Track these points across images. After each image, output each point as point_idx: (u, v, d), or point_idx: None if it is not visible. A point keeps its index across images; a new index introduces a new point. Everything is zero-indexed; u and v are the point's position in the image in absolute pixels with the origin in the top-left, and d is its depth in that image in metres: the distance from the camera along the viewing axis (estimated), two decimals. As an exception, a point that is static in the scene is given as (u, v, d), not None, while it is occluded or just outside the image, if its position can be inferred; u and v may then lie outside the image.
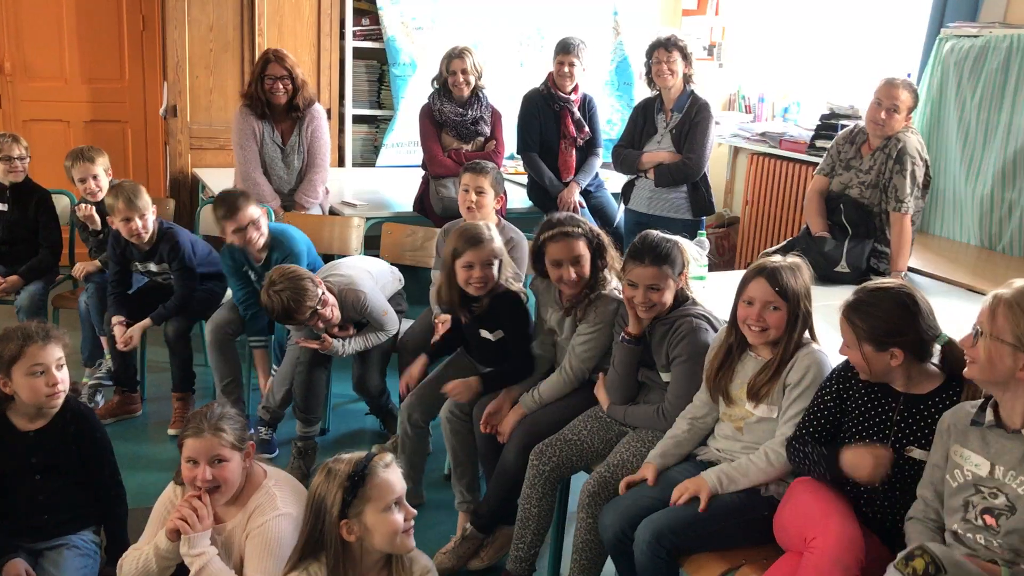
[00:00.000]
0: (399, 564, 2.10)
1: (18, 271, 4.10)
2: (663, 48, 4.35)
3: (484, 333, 3.17)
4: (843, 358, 2.27)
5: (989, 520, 1.90)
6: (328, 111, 4.91)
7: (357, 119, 5.95)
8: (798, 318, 2.37)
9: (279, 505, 2.34)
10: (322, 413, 3.79)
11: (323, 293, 3.38)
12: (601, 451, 2.78)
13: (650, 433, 2.69)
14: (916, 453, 2.15)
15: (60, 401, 2.60)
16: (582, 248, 2.85)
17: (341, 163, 5.85)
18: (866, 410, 2.23)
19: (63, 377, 2.58)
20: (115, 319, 3.80)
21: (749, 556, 2.29)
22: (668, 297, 2.66)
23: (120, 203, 3.67)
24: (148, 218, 3.73)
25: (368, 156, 6.03)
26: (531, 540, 2.84)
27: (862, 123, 3.78)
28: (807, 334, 2.43)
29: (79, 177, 4.04)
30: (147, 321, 3.82)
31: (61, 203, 4.38)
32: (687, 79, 4.41)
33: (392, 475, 2.07)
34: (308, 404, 3.60)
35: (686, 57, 4.37)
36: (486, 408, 3.03)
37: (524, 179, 4.98)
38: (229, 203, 3.61)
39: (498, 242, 3.10)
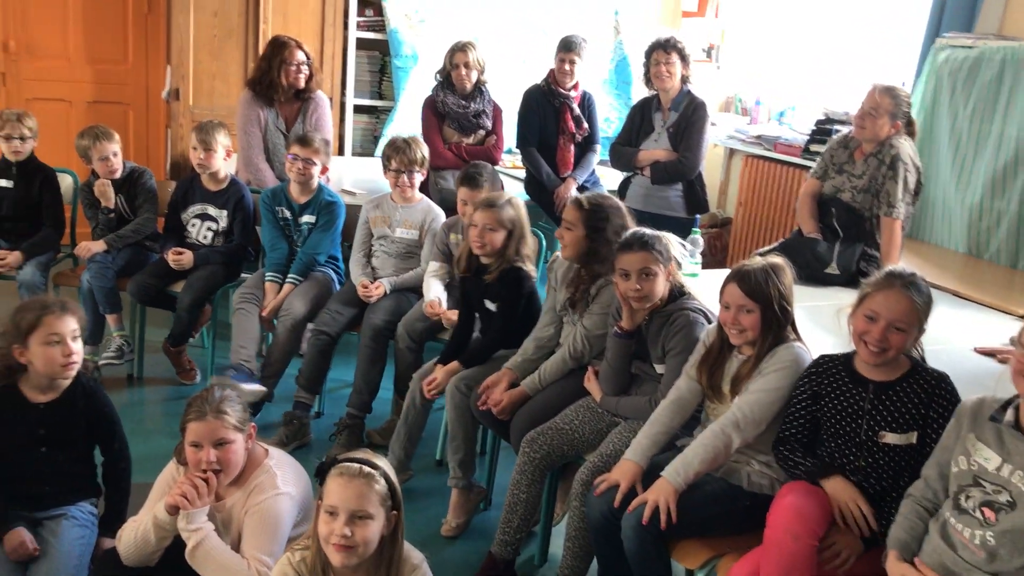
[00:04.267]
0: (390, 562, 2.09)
1: (21, 247, 4.15)
2: (662, 49, 4.42)
3: (488, 303, 3.33)
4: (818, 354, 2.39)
5: (988, 513, 1.96)
6: (330, 100, 4.97)
7: (358, 109, 6.00)
8: (773, 318, 2.44)
9: (279, 484, 2.40)
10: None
11: None
12: (592, 441, 2.86)
13: (641, 424, 2.75)
14: (889, 438, 2.24)
15: (73, 372, 2.66)
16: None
17: (341, 152, 5.89)
18: (839, 401, 2.32)
19: (78, 349, 2.64)
20: (172, 250, 4.09)
21: (734, 545, 2.37)
22: (660, 287, 2.73)
23: (200, 135, 4.07)
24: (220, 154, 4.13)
25: (367, 146, 6.08)
26: (518, 525, 2.91)
27: (856, 129, 3.85)
28: (790, 332, 2.50)
29: (100, 156, 4.15)
30: (190, 256, 4.08)
31: (65, 182, 4.42)
32: (684, 80, 4.48)
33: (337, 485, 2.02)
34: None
35: (684, 59, 4.45)
36: (483, 383, 3.12)
37: (522, 173, 5.04)
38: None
39: (510, 214, 3.27)
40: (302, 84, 4.52)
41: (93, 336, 4.15)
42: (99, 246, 4.14)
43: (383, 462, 2.06)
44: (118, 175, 4.23)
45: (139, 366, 4.29)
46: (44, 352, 2.59)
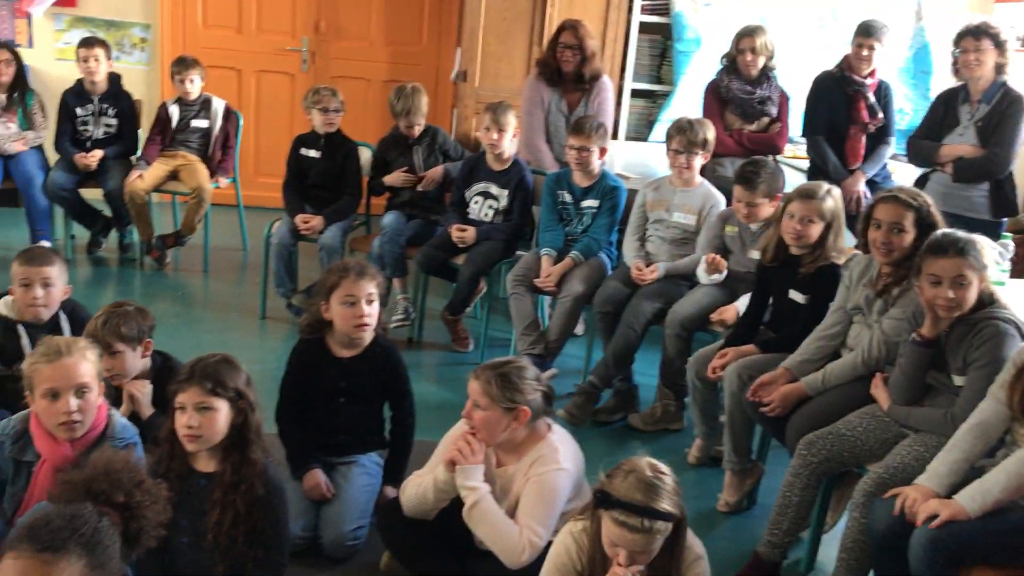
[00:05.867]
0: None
1: (323, 213, 4.52)
2: (972, 36, 4.06)
3: (794, 294, 3.20)
4: None
5: None
6: (611, 84, 5.02)
7: (635, 93, 5.99)
8: None
9: (560, 459, 2.46)
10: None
11: None
12: (877, 451, 2.69)
13: (935, 438, 2.56)
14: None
15: (366, 334, 2.88)
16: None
17: (615, 136, 5.91)
18: None
19: (371, 312, 2.85)
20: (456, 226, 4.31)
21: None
22: (972, 296, 2.51)
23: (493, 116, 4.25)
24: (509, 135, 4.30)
25: (642, 131, 6.06)
26: (787, 528, 2.81)
27: None
28: None
29: (405, 110, 4.52)
30: (473, 232, 4.25)
31: (364, 155, 4.76)
32: (1000, 70, 4.09)
33: None
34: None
35: (999, 45, 4.05)
36: (759, 379, 3.02)
37: (804, 164, 4.84)
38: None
39: (830, 206, 3.12)
40: (569, 67, 4.54)
41: (381, 299, 4.44)
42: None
43: (665, 492, 2.02)
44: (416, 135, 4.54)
45: (419, 331, 4.56)
46: (340, 311, 2.82)
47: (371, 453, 3.02)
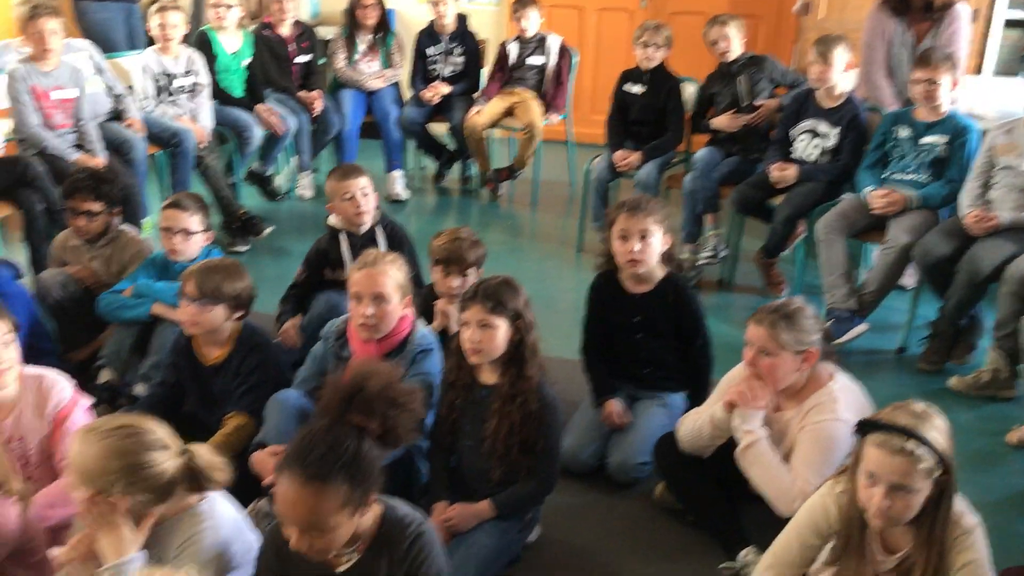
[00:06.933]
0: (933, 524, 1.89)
1: (643, 149, 4.55)
2: None
3: None
4: None
5: None
6: (975, 12, 4.46)
7: (1010, 23, 5.30)
8: None
9: (839, 410, 2.35)
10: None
11: None
12: None
13: None
14: None
15: (639, 269, 2.87)
16: None
17: (978, 70, 5.30)
18: None
19: (642, 248, 2.85)
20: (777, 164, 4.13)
21: None
22: None
23: (819, 48, 4.01)
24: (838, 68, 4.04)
25: (1012, 65, 5.37)
26: None
27: None
28: None
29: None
30: (794, 171, 4.08)
31: (687, 91, 4.70)
32: None
33: None
34: None
35: None
36: None
37: None
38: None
39: None
40: None
41: (691, 235, 4.42)
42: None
43: (933, 427, 1.85)
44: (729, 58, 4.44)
45: (731, 272, 4.47)
46: (616, 246, 2.90)
47: (677, 394, 3.05)
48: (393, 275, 2.55)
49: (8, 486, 2.05)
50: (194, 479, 1.88)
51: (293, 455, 1.70)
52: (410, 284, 2.67)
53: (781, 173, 4.07)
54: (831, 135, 4.07)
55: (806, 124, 4.14)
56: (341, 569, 1.82)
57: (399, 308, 2.57)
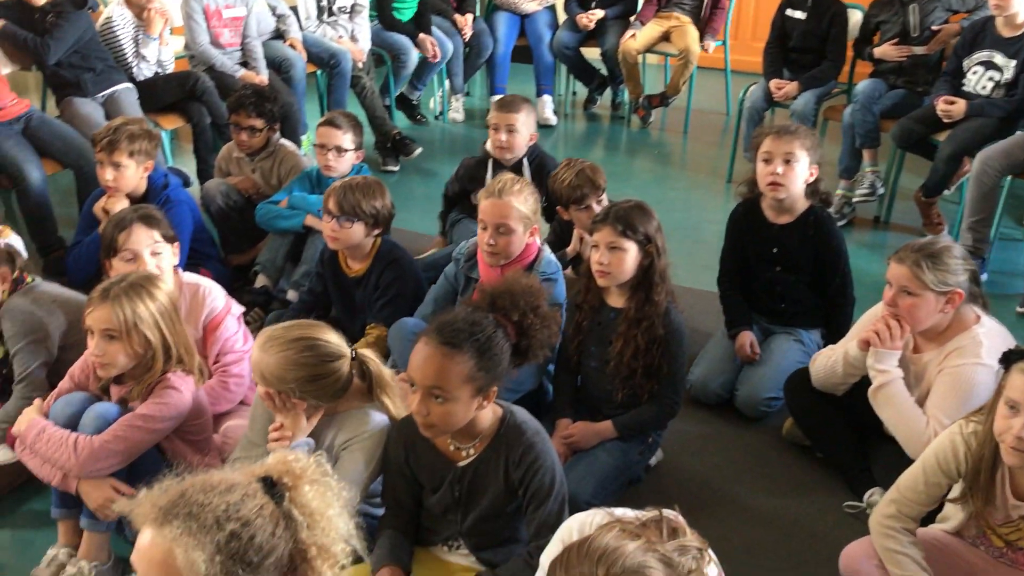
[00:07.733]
0: None
1: (799, 78, 4.37)
2: None
3: None
4: None
5: None
6: None
7: None
8: None
9: (982, 354, 2.25)
10: None
11: None
12: None
13: None
14: None
15: (779, 193, 2.80)
16: None
17: None
18: None
19: (785, 171, 2.76)
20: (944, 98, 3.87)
21: None
22: None
23: None
24: None
25: None
26: None
27: None
28: None
29: None
30: (962, 105, 3.83)
31: (854, 17, 4.45)
32: None
33: None
34: None
35: None
36: None
37: None
38: None
39: None
40: None
41: (848, 170, 4.24)
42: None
43: None
44: None
45: (887, 210, 4.27)
46: (758, 168, 2.83)
47: (814, 331, 2.98)
48: (518, 206, 2.57)
49: (189, 363, 2.24)
50: (364, 380, 2.04)
51: (434, 326, 1.80)
52: (538, 214, 2.70)
53: (948, 107, 3.82)
54: (1008, 68, 3.77)
55: (981, 55, 3.85)
56: (461, 464, 1.91)
57: (523, 237, 2.61)
